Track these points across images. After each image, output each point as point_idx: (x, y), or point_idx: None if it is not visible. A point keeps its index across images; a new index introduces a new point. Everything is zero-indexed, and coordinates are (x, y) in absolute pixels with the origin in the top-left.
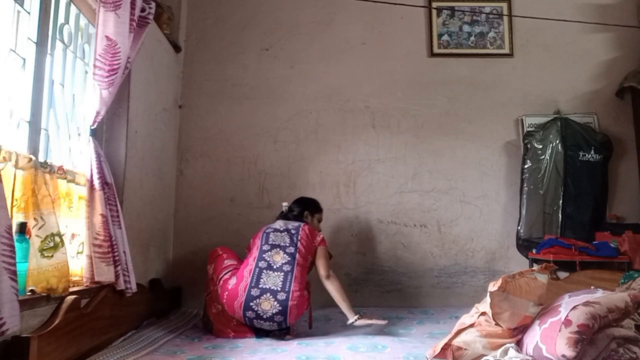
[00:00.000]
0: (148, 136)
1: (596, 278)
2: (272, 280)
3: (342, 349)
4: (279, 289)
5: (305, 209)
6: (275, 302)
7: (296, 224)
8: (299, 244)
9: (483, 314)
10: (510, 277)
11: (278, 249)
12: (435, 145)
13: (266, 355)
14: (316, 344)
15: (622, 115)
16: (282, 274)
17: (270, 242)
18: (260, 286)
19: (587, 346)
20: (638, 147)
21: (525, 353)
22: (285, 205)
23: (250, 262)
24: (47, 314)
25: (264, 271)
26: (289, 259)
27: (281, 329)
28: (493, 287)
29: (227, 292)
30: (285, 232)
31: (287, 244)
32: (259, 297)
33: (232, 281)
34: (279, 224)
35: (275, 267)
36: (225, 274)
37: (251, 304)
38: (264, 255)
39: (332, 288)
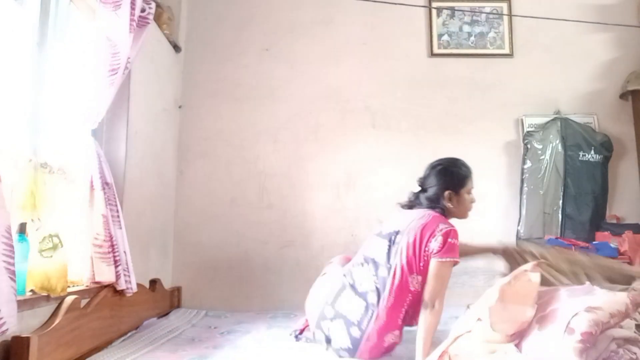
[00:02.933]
0: (148, 136)
1: None
2: (351, 307)
3: None
4: (355, 321)
5: (445, 187)
6: (347, 336)
7: (414, 216)
8: (397, 262)
9: (479, 320)
10: (506, 285)
11: (371, 266)
12: (435, 145)
13: (267, 356)
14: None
15: (622, 115)
16: (365, 304)
17: (367, 253)
18: (336, 307)
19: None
20: (638, 147)
21: None
22: (416, 183)
23: (338, 271)
24: (47, 314)
25: (346, 290)
26: (378, 286)
27: None
28: (491, 300)
29: (307, 299)
30: (388, 240)
31: (383, 262)
32: (331, 319)
33: (314, 287)
34: (396, 218)
35: (359, 290)
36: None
37: (322, 323)
38: (352, 270)
39: (425, 323)
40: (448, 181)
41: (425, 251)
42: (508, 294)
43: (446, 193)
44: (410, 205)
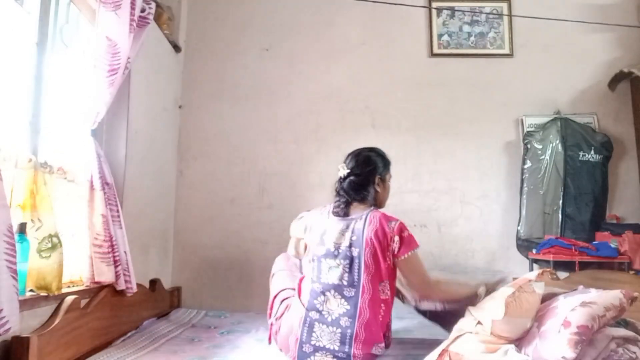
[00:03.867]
0: (148, 136)
1: (596, 278)
2: (327, 337)
3: None
4: (336, 347)
5: (374, 172)
6: None
7: (359, 224)
8: (363, 277)
9: (479, 323)
10: (511, 297)
11: (334, 292)
12: (435, 145)
13: (267, 356)
14: None
15: (622, 115)
16: (339, 330)
17: (322, 280)
18: (312, 343)
19: (586, 347)
20: (638, 147)
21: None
22: (342, 170)
23: (300, 308)
24: (47, 314)
25: (316, 324)
26: (348, 308)
27: None
28: (497, 314)
29: (278, 338)
30: (345, 259)
31: (346, 282)
32: (313, 354)
33: (283, 329)
34: (338, 231)
35: (330, 319)
36: (278, 308)
37: None
38: (315, 303)
39: (440, 299)
40: (377, 167)
41: (388, 256)
42: (512, 308)
43: (376, 178)
44: (345, 209)
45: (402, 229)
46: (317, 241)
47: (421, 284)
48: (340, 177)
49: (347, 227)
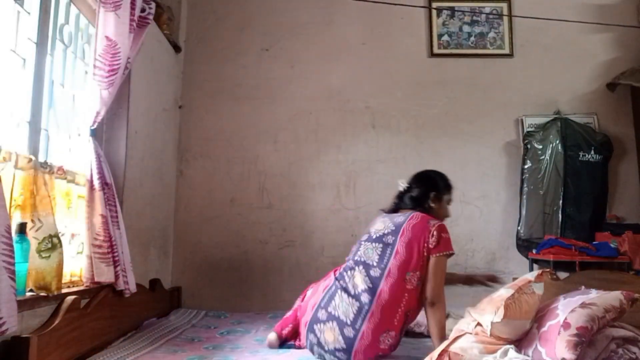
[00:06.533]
0: (148, 136)
1: (596, 278)
2: (344, 308)
3: None
4: (349, 322)
5: (431, 189)
6: (340, 337)
7: (401, 218)
8: (391, 261)
9: (479, 324)
10: (510, 299)
11: (362, 268)
12: (435, 145)
13: (267, 356)
14: None
15: (622, 115)
16: (357, 304)
17: (357, 257)
18: (329, 310)
19: (586, 348)
20: (638, 147)
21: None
22: (402, 184)
23: (332, 276)
24: (47, 314)
25: (339, 292)
26: (370, 286)
27: None
28: (497, 317)
29: (301, 305)
30: (379, 243)
31: (375, 262)
32: (324, 322)
33: (309, 292)
34: (382, 222)
35: (353, 292)
36: (308, 295)
37: (315, 326)
38: (344, 274)
39: (435, 318)
40: (434, 184)
41: (422, 248)
42: (511, 309)
43: (432, 194)
44: (395, 208)
45: (442, 229)
46: (369, 230)
47: (436, 290)
48: (400, 192)
49: (391, 220)
